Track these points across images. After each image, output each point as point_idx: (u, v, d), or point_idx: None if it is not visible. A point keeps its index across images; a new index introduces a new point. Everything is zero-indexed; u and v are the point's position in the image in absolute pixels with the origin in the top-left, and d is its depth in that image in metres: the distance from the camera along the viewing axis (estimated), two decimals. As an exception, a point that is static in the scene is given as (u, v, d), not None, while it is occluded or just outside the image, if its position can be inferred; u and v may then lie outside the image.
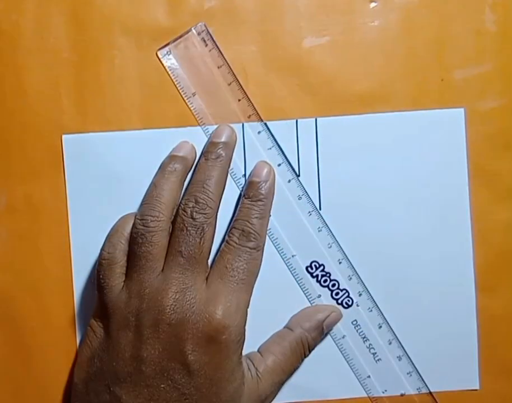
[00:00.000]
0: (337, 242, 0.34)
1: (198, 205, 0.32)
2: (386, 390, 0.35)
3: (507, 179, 0.35)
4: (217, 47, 0.34)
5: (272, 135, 0.34)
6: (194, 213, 0.32)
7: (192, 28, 0.34)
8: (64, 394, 0.35)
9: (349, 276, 0.35)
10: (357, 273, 0.34)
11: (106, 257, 0.32)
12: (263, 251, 0.33)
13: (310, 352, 0.34)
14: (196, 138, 0.34)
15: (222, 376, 0.31)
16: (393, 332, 0.35)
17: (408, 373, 0.35)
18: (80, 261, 0.35)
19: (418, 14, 0.34)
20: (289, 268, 0.35)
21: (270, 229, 0.34)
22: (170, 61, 0.34)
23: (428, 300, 0.35)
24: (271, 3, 0.34)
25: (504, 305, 0.35)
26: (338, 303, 0.35)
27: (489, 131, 0.35)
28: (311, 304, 0.35)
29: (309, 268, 0.35)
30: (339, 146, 0.34)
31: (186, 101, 0.34)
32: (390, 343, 0.35)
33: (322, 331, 0.34)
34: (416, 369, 0.35)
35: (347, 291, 0.35)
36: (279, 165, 0.34)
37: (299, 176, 0.35)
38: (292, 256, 0.34)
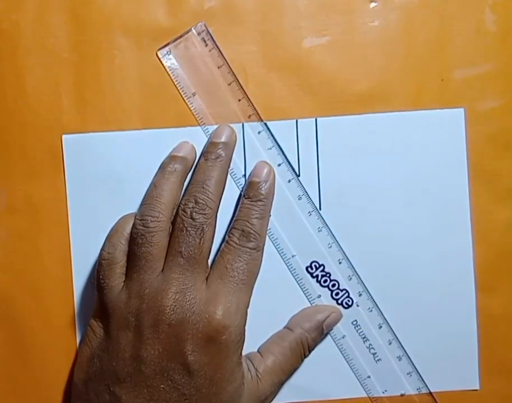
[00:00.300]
0: (337, 242, 0.34)
1: (198, 205, 0.32)
2: (386, 391, 0.35)
3: (507, 179, 0.35)
4: (217, 47, 0.34)
5: (272, 135, 0.34)
6: (194, 213, 0.32)
7: (193, 28, 0.34)
8: (64, 394, 0.35)
9: (349, 276, 0.35)
10: (357, 274, 0.34)
11: (106, 257, 0.32)
12: (263, 251, 0.33)
13: (309, 352, 0.34)
14: (196, 138, 0.34)
15: (222, 377, 0.31)
16: (393, 332, 0.35)
17: (408, 373, 0.35)
18: (80, 261, 0.35)
19: (418, 14, 0.34)
20: (289, 269, 0.35)
21: (270, 229, 0.34)
22: (170, 61, 0.34)
23: (428, 300, 0.35)
24: (271, 3, 0.34)
25: (504, 305, 0.35)
26: (338, 303, 0.35)
27: (489, 131, 0.35)
28: (311, 304, 0.35)
29: (309, 269, 0.34)
30: (339, 146, 0.34)
31: (186, 101, 0.34)
32: (390, 344, 0.35)
33: (322, 331, 0.34)
34: (416, 369, 0.35)
35: (347, 291, 0.35)
36: (279, 165, 0.34)
37: (299, 175, 0.35)
38: (292, 256, 0.34)
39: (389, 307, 0.35)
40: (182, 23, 0.34)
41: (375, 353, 0.35)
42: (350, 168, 0.34)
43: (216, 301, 0.31)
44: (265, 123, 0.34)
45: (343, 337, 0.35)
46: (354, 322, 0.35)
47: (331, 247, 0.34)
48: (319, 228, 0.34)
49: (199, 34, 0.34)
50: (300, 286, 0.35)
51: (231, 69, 0.34)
